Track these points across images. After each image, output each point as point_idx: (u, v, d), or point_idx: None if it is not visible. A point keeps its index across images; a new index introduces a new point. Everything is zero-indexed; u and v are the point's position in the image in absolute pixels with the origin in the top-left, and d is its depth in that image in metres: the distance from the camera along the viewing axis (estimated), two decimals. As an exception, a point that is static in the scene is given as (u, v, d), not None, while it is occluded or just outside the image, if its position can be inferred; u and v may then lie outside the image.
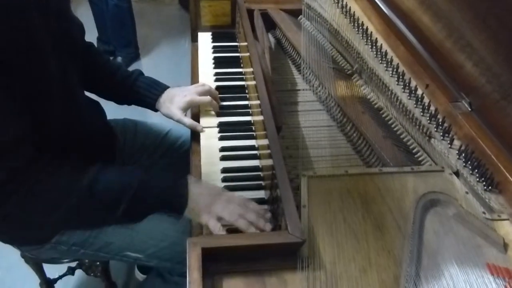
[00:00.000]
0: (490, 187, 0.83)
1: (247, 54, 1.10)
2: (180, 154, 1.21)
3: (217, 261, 0.66)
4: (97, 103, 1.12)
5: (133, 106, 1.14)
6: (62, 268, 1.33)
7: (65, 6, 0.89)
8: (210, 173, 0.92)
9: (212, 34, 1.36)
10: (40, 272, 1.30)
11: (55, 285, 1.39)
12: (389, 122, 0.99)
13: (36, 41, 0.76)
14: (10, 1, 0.70)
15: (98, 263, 1.26)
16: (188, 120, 1.02)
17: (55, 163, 0.79)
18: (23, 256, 1.16)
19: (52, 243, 0.96)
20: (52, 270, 1.34)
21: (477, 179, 0.85)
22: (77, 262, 1.27)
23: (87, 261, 1.25)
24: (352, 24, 1.28)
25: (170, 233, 0.98)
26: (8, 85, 0.71)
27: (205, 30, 1.37)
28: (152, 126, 1.24)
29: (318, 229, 0.74)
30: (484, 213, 0.78)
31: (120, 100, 1.12)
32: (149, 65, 2.80)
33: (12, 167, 0.73)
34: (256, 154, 0.96)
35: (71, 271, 1.35)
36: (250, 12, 1.28)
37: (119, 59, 2.70)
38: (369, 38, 1.21)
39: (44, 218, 0.82)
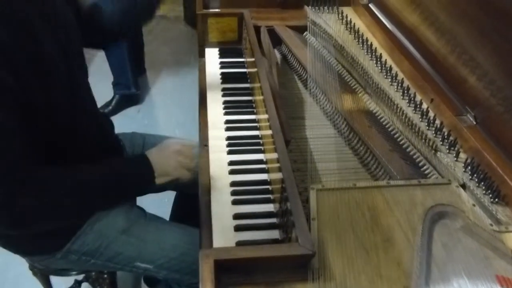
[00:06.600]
0: (496, 199, 0.84)
1: (255, 69, 1.12)
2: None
3: (229, 272, 0.67)
4: (106, 116, 1.14)
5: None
6: (68, 281, 1.33)
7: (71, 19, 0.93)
8: (219, 187, 0.93)
9: (219, 50, 1.38)
10: (47, 285, 1.30)
11: (62, 298, 1.39)
12: (395, 136, 1.01)
13: (44, 54, 0.79)
14: (15, 17, 0.74)
15: (105, 275, 1.26)
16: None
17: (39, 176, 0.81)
18: (31, 268, 1.17)
19: (63, 252, 0.97)
20: (58, 284, 1.34)
21: (484, 192, 0.86)
22: (84, 275, 1.28)
23: (94, 273, 1.26)
24: (357, 40, 1.30)
25: (179, 243, 1.00)
26: (14, 102, 0.74)
27: (212, 46, 1.40)
28: (161, 139, 1.26)
29: (327, 242, 0.74)
30: (491, 225, 0.79)
31: None
32: (154, 80, 2.84)
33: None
34: (264, 168, 0.97)
35: (77, 284, 1.36)
36: (257, 29, 1.30)
37: None
38: (373, 53, 1.23)
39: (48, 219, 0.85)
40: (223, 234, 0.82)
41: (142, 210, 1.09)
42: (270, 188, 0.92)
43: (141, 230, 1.01)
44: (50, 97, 0.82)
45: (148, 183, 0.93)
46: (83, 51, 0.99)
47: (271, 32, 1.37)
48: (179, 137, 1.30)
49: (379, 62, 1.20)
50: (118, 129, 1.21)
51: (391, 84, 1.14)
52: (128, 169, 0.93)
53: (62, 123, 0.87)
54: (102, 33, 1.10)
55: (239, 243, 0.80)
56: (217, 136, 1.06)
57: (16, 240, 0.97)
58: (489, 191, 0.85)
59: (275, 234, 0.83)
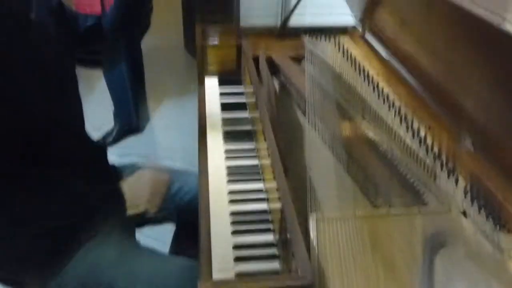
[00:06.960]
0: (498, 226, 0.84)
1: (253, 99, 1.13)
2: (189, 197, 1.22)
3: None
4: (100, 146, 1.15)
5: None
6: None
7: None
8: (218, 216, 0.93)
9: (218, 79, 1.40)
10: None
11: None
12: (394, 163, 1.01)
13: (45, 55, 0.81)
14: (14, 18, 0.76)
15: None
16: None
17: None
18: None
19: (56, 283, 0.96)
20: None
21: (485, 219, 0.85)
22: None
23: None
24: (354, 68, 1.32)
25: (176, 276, 0.98)
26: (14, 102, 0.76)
27: (211, 75, 1.42)
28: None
29: (328, 272, 0.74)
30: (493, 252, 0.78)
31: None
32: (155, 108, 2.87)
33: None
34: (264, 197, 0.97)
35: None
36: (255, 58, 1.33)
37: None
38: (370, 81, 1.25)
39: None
40: (223, 265, 0.82)
41: (136, 242, 1.09)
42: (270, 218, 0.92)
43: (134, 262, 1.00)
44: (49, 100, 0.84)
45: (119, 215, 0.94)
46: (75, 71, 1.01)
47: (270, 61, 1.39)
48: (180, 165, 1.30)
49: (376, 90, 1.22)
50: (119, 158, 1.22)
51: (389, 111, 1.15)
52: (99, 201, 0.93)
53: (58, 151, 0.89)
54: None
55: (239, 274, 0.79)
56: (217, 165, 1.07)
57: (17, 266, 0.96)
58: (490, 218, 0.84)
59: (275, 264, 0.82)
